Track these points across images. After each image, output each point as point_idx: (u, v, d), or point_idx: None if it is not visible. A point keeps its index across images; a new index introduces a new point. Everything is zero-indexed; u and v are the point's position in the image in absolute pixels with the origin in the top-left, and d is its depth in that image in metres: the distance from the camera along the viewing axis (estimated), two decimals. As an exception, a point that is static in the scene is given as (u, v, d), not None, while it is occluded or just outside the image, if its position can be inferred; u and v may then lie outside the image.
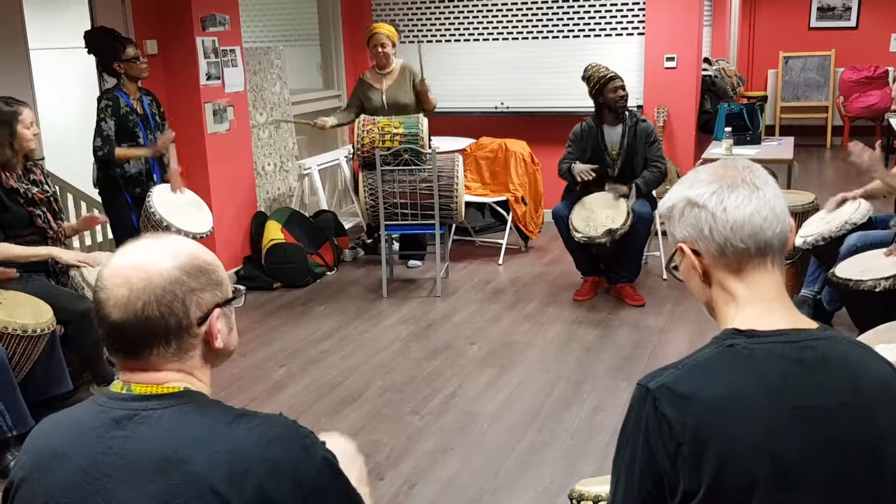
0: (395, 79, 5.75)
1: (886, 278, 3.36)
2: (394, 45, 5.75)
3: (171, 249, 1.27)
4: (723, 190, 1.31)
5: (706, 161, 5.71)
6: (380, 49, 5.67)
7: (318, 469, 1.21)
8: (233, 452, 1.17)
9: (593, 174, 4.94)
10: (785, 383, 1.23)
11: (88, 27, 4.85)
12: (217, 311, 1.28)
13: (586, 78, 5.10)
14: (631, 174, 5.05)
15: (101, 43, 4.43)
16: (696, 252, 1.34)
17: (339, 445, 1.43)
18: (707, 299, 1.38)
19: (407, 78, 5.77)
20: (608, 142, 5.08)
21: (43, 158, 4.64)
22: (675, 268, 1.42)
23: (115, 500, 1.17)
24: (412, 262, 6.06)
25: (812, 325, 1.31)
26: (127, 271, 1.23)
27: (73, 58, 6.16)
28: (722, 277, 1.33)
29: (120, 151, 4.40)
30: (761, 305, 1.30)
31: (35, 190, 3.81)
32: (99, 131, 4.37)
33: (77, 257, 3.85)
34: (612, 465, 1.31)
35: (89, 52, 4.50)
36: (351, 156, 6.29)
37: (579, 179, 4.95)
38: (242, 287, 1.36)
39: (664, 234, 5.93)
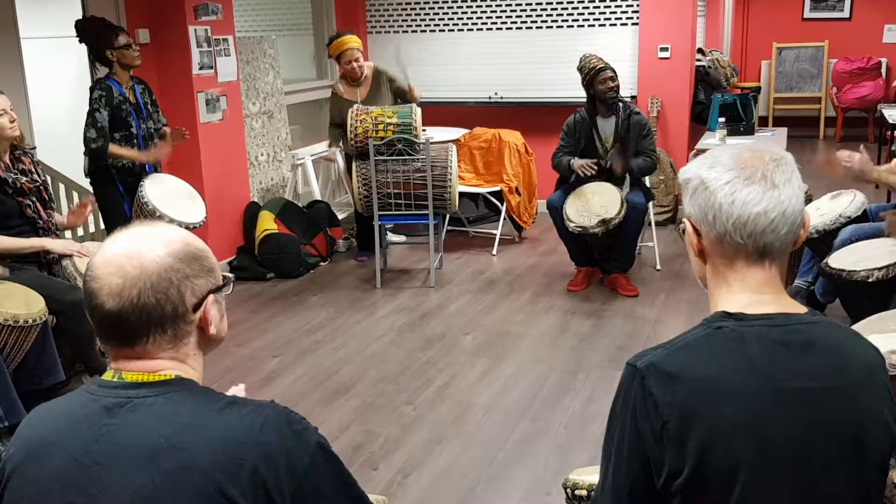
0: (369, 87, 5.71)
1: (879, 269, 3.36)
2: (362, 54, 5.68)
3: (163, 237, 1.26)
4: (738, 181, 1.28)
5: (699, 152, 5.72)
6: (354, 64, 5.60)
7: (311, 454, 1.21)
8: (226, 439, 1.17)
9: (594, 169, 4.94)
10: (772, 366, 1.24)
11: (80, 16, 4.81)
12: (211, 297, 1.28)
13: (580, 69, 5.09)
14: (622, 171, 5.04)
15: (93, 32, 4.39)
16: (697, 231, 1.35)
17: None
18: (701, 275, 1.40)
19: (382, 82, 5.73)
20: (602, 133, 5.07)
21: (35, 148, 4.61)
22: (683, 231, 1.41)
23: (107, 487, 1.16)
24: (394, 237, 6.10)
25: (801, 309, 1.32)
26: (120, 259, 1.22)
27: (65, 47, 6.12)
28: (716, 262, 1.34)
29: (114, 150, 4.36)
30: (752, 295, 1.31)
31: (24, 180, 3.77)
32: (93, 122, 4.33)
33: (67, 246, 3.83)
34: (601, 448, 1.32)
35: (81, 42, 4.46)
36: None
37: (582, 174, 4.94)
38: (231, 275, 1.35)
39: (658, 224, 5.95)
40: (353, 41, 5.61)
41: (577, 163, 4.96)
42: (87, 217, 4.01)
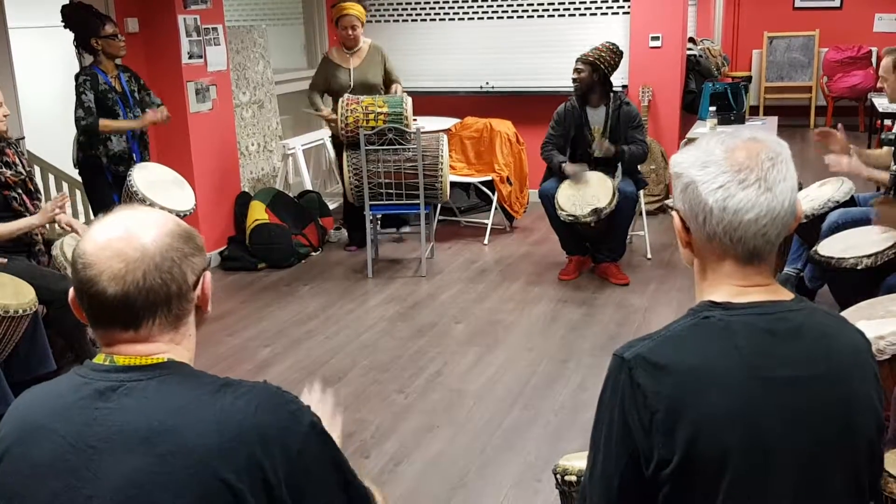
0: (363, 58, 5.70)
1: (868, 256, 3.38)
2: (363, 25, 5.69)
3: (154, 219, 1.26)
4: (732, 185, 1.25)
5: (690, 142, 5.71)
6: (349, 31, 5.59)
7: (305, 434, 1.22)
8: (220, 421, 1.17)
9: (586, 169, 4.97)
10: (760, 354, 1.24)
11: (68, 2, 4.77)
12: (207, 274, 1.29)
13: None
14: (614, 157, 5.05)
15: (79, 18, 4.37)
16: (685, 225, 1.33)
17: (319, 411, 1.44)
18: (690, 261, 1.39)
19: (376, 58, 5.72)
20: (591, 123, 5.08)
21: (23, 138, 4.59)
22: (673, 208, 1.38)
23: (101, 471, 1.16)
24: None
25: (788, 296, 1.31)
26: (117, 244, 1.20)
27: (53, 37, 6.07)
28: (705, 257, 1.34)
29: (105, 122, 4.35)
30: (739, 286, 1.31)
31: (8, 173, 3.74)
32: (80, 103, 4.32)
33: (46, 214, 3.72)
34: (590, 438, 1.32)
35: (66, 27, 4.43)
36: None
37: (574, 181, 4.97)
38: (207, 255, 1.36)
39: (649, 213, 5.96)
40: (353, 8, 5.61)
41: (567, 168, 4.99)
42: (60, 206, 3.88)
